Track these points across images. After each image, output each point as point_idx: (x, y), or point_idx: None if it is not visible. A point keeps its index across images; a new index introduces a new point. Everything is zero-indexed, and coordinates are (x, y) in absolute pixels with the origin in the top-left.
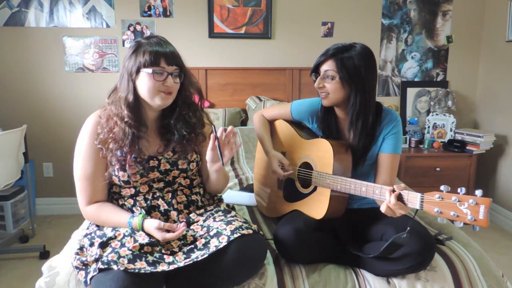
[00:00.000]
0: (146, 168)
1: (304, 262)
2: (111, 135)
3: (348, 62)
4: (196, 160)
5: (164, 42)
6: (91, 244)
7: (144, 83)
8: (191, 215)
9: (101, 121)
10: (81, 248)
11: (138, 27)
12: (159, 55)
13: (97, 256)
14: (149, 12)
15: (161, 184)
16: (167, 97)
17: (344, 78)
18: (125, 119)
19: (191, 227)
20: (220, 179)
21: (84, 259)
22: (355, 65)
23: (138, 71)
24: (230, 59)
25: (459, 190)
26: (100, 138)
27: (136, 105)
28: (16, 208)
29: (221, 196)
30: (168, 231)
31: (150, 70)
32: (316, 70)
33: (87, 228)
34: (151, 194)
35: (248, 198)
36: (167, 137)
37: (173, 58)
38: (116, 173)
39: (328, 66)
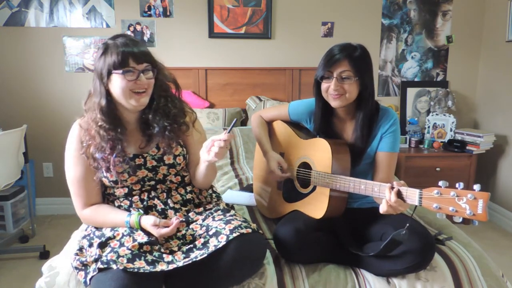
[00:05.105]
0: (132, 167)
1: (304, 262)
2: (91, 141)
3: (360, 62)
4: (182, 154)
5: (131, 41)
6: (90, 245)
7: (117, 85)
8: (190, 214)
9: (82, 130)
10: (81, 249)
11: (138, 27)
12: (127, 55)
13: (96, 256)
14: (149, 12)
15: (153, 182)
16: (141, 97)
17: (360, 77)
18: (99, 123)
19: (190, 226)
20: (209, 172)
21: (83, 259)
22: (366, 64)
23: (109, 75)
24: (230, 59)
25: (457, 185)
26: (83, 146)
27: (110, 108)
28: (16, 208)
29: (219, 194)
30: (165, 227)
31: (120, 71)
32: (324, 73)
33: (86, 230)
34: (146, 194)
35: (248, 198)
36: (148, 133)
37: (142, 56)
38: (104, 174)
39: (343, 68)
